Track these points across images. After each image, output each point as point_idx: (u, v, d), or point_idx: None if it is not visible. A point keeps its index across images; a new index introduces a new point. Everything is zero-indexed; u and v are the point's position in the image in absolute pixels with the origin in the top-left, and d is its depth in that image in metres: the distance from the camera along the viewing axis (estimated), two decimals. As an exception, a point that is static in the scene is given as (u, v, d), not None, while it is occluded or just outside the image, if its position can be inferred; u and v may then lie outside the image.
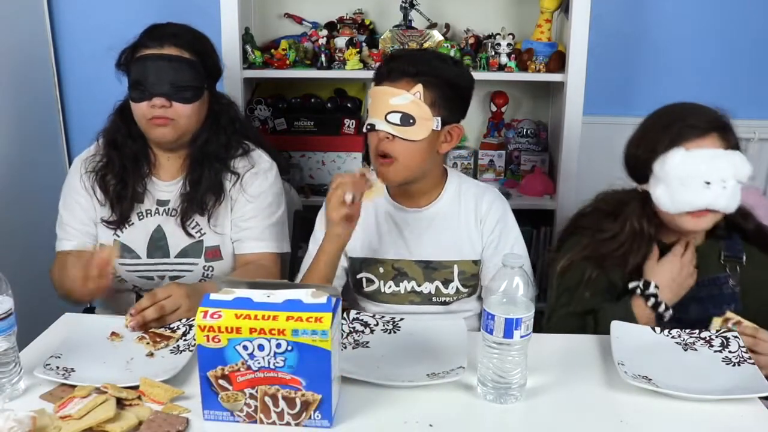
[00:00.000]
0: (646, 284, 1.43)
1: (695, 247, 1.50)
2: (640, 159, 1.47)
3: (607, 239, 1.51)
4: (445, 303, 1.58)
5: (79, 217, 1.63)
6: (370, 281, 1.59)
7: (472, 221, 1.58)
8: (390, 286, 1.58)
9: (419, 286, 1.57)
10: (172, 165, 1.64)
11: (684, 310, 1.48)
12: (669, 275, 1.44)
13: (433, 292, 1.57)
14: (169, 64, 1.51)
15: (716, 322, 1.36)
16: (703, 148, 1.40)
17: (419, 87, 1.44)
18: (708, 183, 1.38)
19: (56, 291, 1.59)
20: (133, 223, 1.62)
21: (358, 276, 1.59)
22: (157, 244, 1.62)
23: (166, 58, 1.52)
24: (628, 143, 1.52)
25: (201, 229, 1.62)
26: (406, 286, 1.57)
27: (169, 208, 1.62)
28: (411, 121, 1.44)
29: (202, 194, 1.59)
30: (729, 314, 1.36)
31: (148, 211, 1.63)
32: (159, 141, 1.58)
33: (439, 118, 1.46)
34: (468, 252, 1.57)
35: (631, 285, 1.46)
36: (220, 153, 1.61)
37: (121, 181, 1.60)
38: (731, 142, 1.43)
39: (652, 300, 1.42)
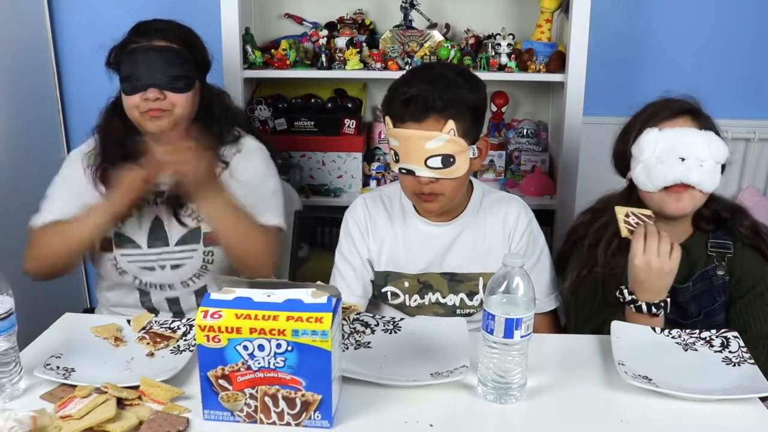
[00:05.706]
0: (621, 293, 1.39)
1: (683, 242, 1.49)
2: (621, 150, 1.52)
3: (602, 229, 1.52)
4: (468, 315, 1.56)
5: (69, 199, 1.59)
6: (395, 295, 1.58)
7: (499, 234, 1.57)
8: (415, 300, 1.57)
9: (444, 297, 1.57)
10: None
11: (684, 314, 1.49)
12: (642, 275, 1.35)
13: (457, 304, 1.57)
14: (160, 55, 1.51)
15: (620, 210, 1.39)
16: (675, 127, 1.43)
17: (452, 124, 1.39)
18: (683, 159, 1.40)
19: (27, 267, 1.57)
20: (131, 215, 1.62)
21: (383, 290, 1.59)
22: (157, 234, 1.62)
23: (156, 49, 1.51)
24: (613, 144, 1.55)
25: (198, 215, 1.61)
26: (430, 297, 1.57)
27: (165, 198, 1.62)
28: (452, 160, 1.41)
29: None
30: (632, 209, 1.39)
31: (147, 202, 1.62)
32: (154, 133, 1.56)
33: (475, 146, 1.45)
34: (493, 264, 1.53)
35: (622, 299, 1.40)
36: (212, 144, 1.61)
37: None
38: (704, 124, 1.45)
39: (637, 305, 1.36)
